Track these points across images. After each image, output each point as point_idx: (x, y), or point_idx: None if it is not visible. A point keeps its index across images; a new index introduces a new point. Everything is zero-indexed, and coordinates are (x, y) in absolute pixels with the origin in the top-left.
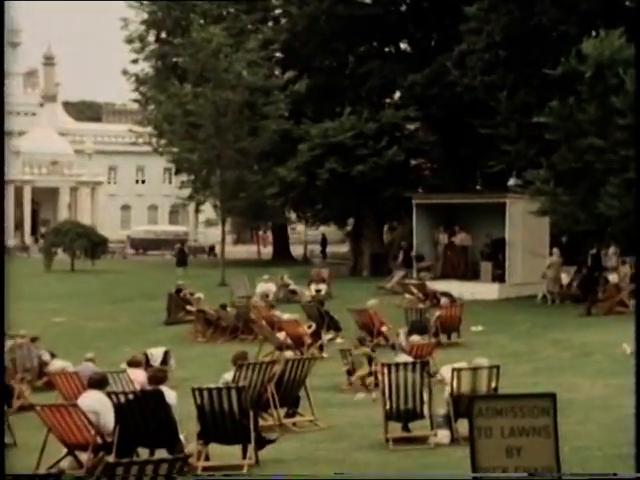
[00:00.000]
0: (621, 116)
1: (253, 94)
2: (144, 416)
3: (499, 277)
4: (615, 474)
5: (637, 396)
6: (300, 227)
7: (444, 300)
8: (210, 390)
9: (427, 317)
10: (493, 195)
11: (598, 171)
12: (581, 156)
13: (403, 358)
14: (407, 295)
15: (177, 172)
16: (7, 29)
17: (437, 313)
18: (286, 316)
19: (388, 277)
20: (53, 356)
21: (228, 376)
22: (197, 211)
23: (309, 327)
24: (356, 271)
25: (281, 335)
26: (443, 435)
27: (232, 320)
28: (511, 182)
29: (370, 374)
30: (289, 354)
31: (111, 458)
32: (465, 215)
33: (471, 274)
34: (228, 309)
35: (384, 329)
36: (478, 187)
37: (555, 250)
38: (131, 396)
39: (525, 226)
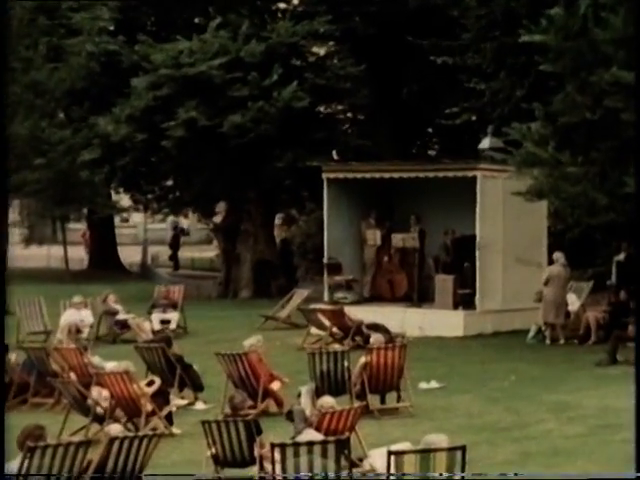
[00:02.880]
0: None
1: None
2: None
3: (466, 300)
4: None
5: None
6: (137, 217)
7: (375, 338)
8: None
9: (347, 366)
10: (455, 165)
11: (627, 125)
12: (599, 100)
13: (308, 435)
14: (314, 329)
15: None
16: None
17: (363, 359)
18: (110, 365)
19: (282, 299)
20: None
21: (12, 466)
22: None
23: (149, 384)
24: (229, 289)
25: (102, 397)
26: None
27: (18, 372)
28: (485, 144)
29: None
30: (116, 429)
31: None
32: (410, 198)
33: (421, 295)
34: (12, 354)
35: (275, 387)
36: (431, 152)
37: (558, 256)
38: None
39: (508, 216)
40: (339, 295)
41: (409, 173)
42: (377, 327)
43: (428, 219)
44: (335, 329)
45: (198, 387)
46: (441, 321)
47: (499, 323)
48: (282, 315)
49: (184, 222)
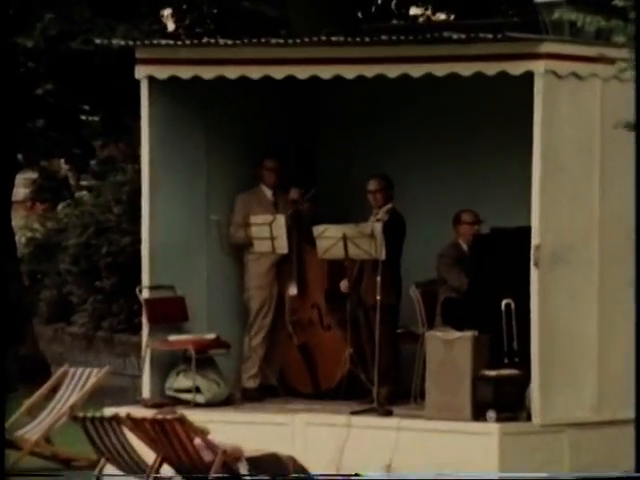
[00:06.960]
0: None
1: None
2: None
3: (505, 397)
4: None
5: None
6: None
7: None
8: None
9: None
10: (478, 45)
11: None
12: None
13: None
14: (113, 470)
15: None
16: None
17: None
18: None
19: (35, 394)
20: None
21: None
22: None
23: None
24: None
25: None
26: None
27: None
28: None
29: None
30: None
31: None
32: (365, 133)
33: (389, 382)
34: None
35: None
36: (417, 12)
37: None
38: None
39: (613, 180)
40: (180, 383)
41: (363, 68)
42: (276, 465)
43: (409, 187)
44: (168, 469)
45: None
46: (443, 450)
47: (592, 455)
48: (32, 437)
49: None
